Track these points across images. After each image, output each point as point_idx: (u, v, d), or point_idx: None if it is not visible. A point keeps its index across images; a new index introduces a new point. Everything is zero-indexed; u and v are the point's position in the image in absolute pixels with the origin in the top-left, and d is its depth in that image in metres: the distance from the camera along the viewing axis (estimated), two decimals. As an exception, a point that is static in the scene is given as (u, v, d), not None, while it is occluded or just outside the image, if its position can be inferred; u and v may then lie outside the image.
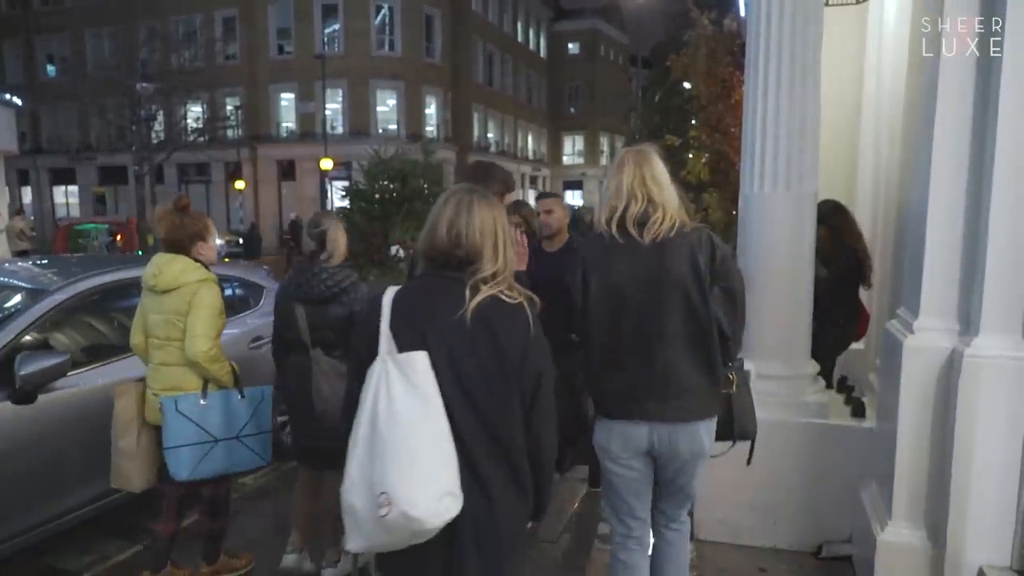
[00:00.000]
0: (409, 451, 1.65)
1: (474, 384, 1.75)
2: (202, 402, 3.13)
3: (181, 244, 3.18)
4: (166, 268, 3.13)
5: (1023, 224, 2.63)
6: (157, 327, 3.16)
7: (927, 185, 2.82)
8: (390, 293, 1.84)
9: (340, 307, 3.23)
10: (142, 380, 3.29)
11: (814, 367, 3.79)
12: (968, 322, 2.76)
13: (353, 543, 1.74)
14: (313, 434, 3.23)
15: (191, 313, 3.08)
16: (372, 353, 1.75)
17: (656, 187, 2.33)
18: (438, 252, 1.84)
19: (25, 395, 3.36)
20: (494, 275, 1.82)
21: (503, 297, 1.80)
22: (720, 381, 2.40)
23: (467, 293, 1.77)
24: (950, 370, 2.76)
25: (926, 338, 2.85)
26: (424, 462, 1.66)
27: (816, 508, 3.57)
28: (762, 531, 3.65)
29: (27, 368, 3.32)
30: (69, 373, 3.55)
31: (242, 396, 3.27)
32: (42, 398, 3.42)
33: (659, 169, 2.37)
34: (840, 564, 3.47)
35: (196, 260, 3.19)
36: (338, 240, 3.30)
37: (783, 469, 3.59)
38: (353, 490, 1.70)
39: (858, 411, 3.71)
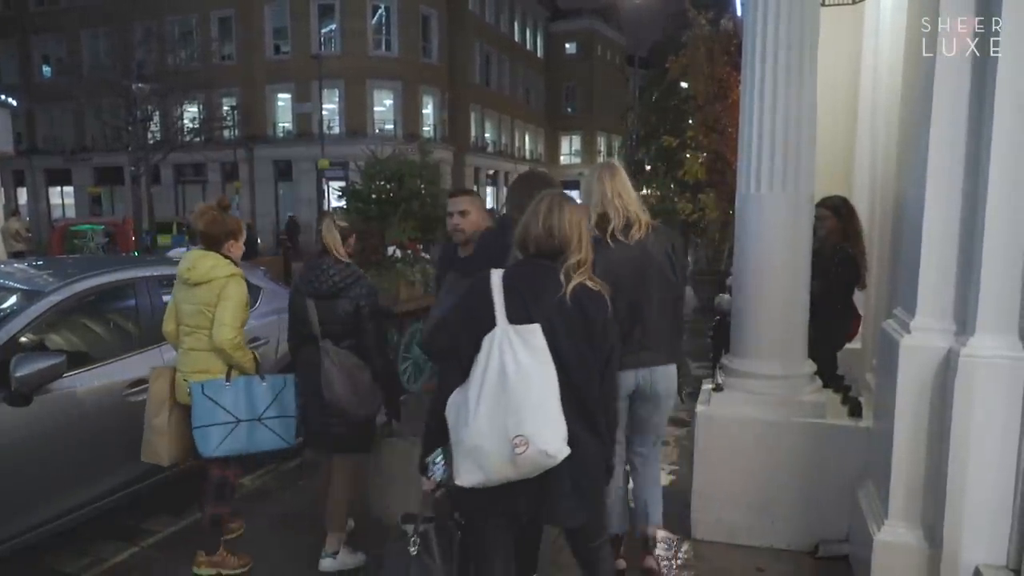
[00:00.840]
0: (540, 402, 2.07)
1: (568, 353, 2.16)
2: (226, 385, 3.40)
3: (217, 239, 3.50)
4: (199, 263, 3.42)
5: (1019, 224, 2.63)
6: (188, 316, 3.45)
7: (923, 185, 2.83)
8: (496, 275, 2.24)
9: (347, 301, 3.45)
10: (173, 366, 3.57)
11: (811, 366, 3.80)
12: (964, 322, 2.76)
13: (468, 479, 2.13)
14: (323, 419, 3.46)
15: (220, 304, 3.36)
16: (489, 323, 2.14)
17: (627, 197, 3.05)
18: (535, 242, 2.26)
19: (21, 397, 3.35)
20: (579, 263, 2.23)
21: (589, 284, 2.24)
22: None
23: (562, 279, 2.20)
24: (946, 370, 2.77)
25: (922, 338, 2.85)
26: (552, 411, 2.09)
27: (813, 508, 3.58)
28: (759, 531, 3.65)
29: (23, 370, 3.31)
30: (65, 374, 3.54)
31: (263, 380, 3.52)
32: (38, 399, 3.41)
33: (624, 181, 3.08)
34: (837, 563, 3.47)
35: (226, 256, 3.48)
36: (327, 238, 3.51)
37: (780, 468, 3.60)
38: (482, 436, 2.08)
39: (855, 411, 3.72)
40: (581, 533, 2.38)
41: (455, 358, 2.24)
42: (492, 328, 2.14)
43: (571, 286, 2.19)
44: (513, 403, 2.06)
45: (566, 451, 2.08)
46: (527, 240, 2.29)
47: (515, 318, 2.15)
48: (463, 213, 3.47)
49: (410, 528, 2.36)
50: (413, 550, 2.32)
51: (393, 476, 3.67)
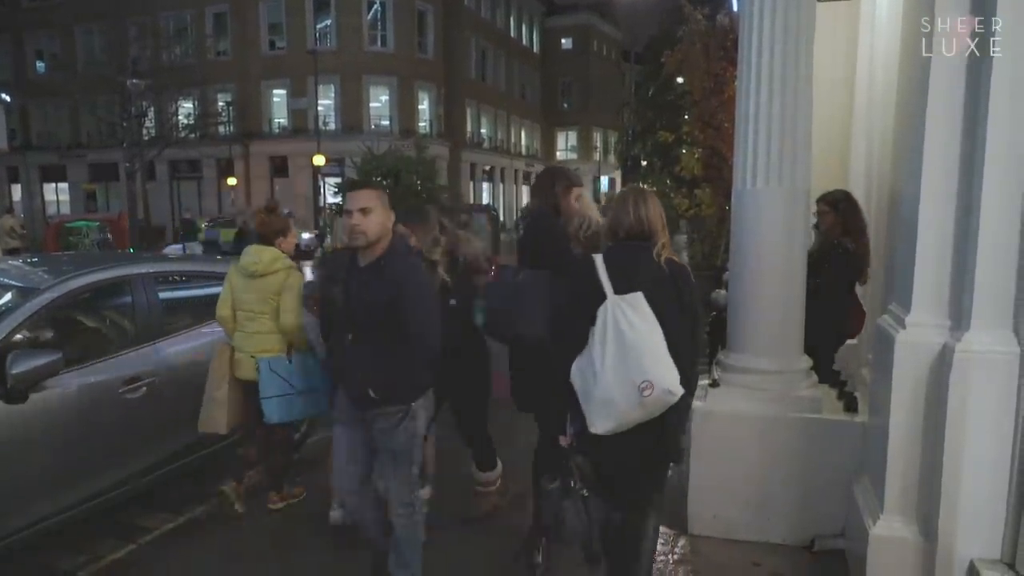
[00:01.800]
0: (656, 353, 2.50)
1: (665, 314, 2.57)
2: (288, 362, 3.96)
3: (268, 237, 4.07)
4: (262, 257, 3.99)
5: (1014, 219, 2.64)
6: (250, 303, 3.99)
7: (919, 180, 2.83)
8: (598, 259, 2.68)
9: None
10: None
11: (807, 362, 3.81)
12: (959, 317, 2.77)
13: (602, 427, 2.56)
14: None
15: (283, 294, 3.94)
16: (598, 296, 2.59)
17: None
18: (626, 229, 2.72)
19: (17, 394, 3.34)
20: (664, 244, 2.70)
21: (675, 259, 2.71)
22: None
23: (655, 256, 2.65)
24: (941, 365, 2.78)
25: (918, 333, 2.86)
26: (666, 359, 2.50)
27: (809, 502, 3.59)
28: (755, 526, 3.66)
29: (19, 367, 3.30)
30: (61, 372, 3.53)
31: (314, 356, 3.97)
32: (34, 397, 3.41)
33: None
34: (833, 558, 3.49)
35: (280, 249, 4.05)
36: (337, 231, 4.08)
37: (776, 464, 3.61)
38: (612, 388, 2.50)
39: (851, 406, 3.73)
40: (662, 466, 2.83)
41: (569, 336, 2.71)
42: (602, 301, 2.58)
43: (663, 260, 2.65)
44: (634, 357, 2.49)
45: (682, 389, 2.51)
46: (619, 227, 2.74)
47: (620, 290, 2.59)
48: (365, 211, 2.85)
49: (555, 479, 2.80)
50: (558, 487, 2.78)
51: None
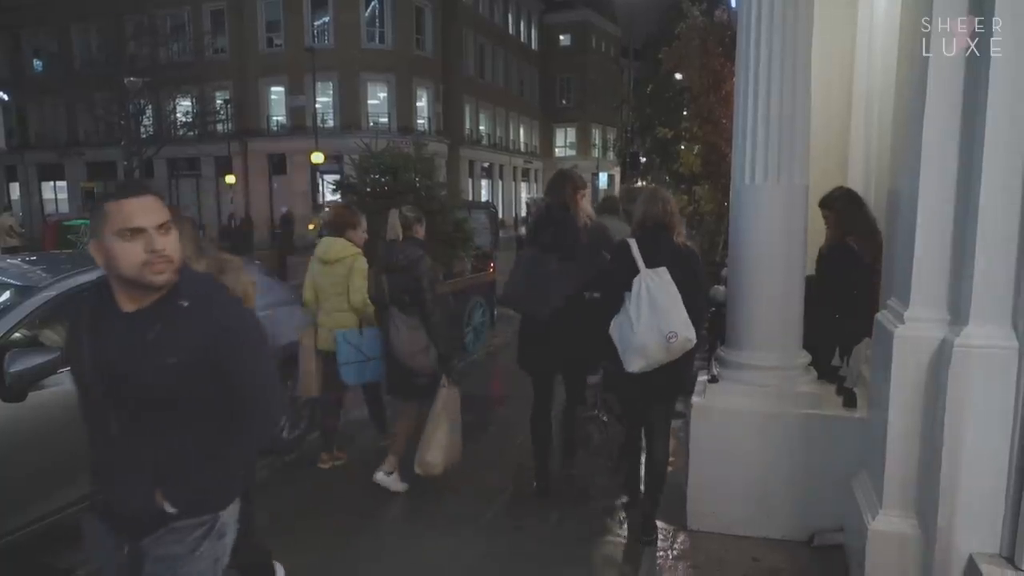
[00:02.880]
0: (678, 310, 3.39)
1: (682, 282, 3.46)
2: (359, 334, 4.60)
3: (340, 229, 4.74)
4: (332, 247, 4.69)
5: (1012, 214, 2.64)
6: (328, 286, 4.68)
7: (917, 175, 2.83)
8: (632, 242, 3.57)
9: (410, 276, 4.33)
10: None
11: (806, 358, 3.81)
12: (958, 312, 2.77)
13: (636, 366, 3.45)
14: (398, 372, 4.45)
15: (352, 277, 4.59)
16: (632, 271, 3.48)
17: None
18: (654, 219, 3.63)
19: (15, 392, 3.34)
20: (679, 232, 3.64)
21: (688, 244, 3.68)
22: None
23: (674, 239, 3.59)
24: (940, 360, 2.78)
25: (916, 328, 2.86)
26: (685, 315, 3.40)
27: (808, 498, 3.60)
28: (755, 521, 3.67)
29: (17, 365, 3.30)
30: (60, 370, 3.52)
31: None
32: (32, 395, 3.40)
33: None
34: (832, 553, 3.49)
35: (349, 240, 4.70)
36: (394, 226, 4.48)
37: (775, 459, 3.61)
38: (646, 336, 3.38)
39: (849, 401, 3.73)
40: (676, 394, 3.86)
41: (614, 299, 3.58)
42: (636, 274, 3.46)
43: (680, 243, 3.60)
44: (661, 313, 3.38)
45: (695, 339, 3.42)
46: (648, 218, 3.65)
47: (649, 264, 3.47)
48: (164, 228, 1.85)
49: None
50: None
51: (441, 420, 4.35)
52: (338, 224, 4.80)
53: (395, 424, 4.73)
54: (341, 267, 4.62)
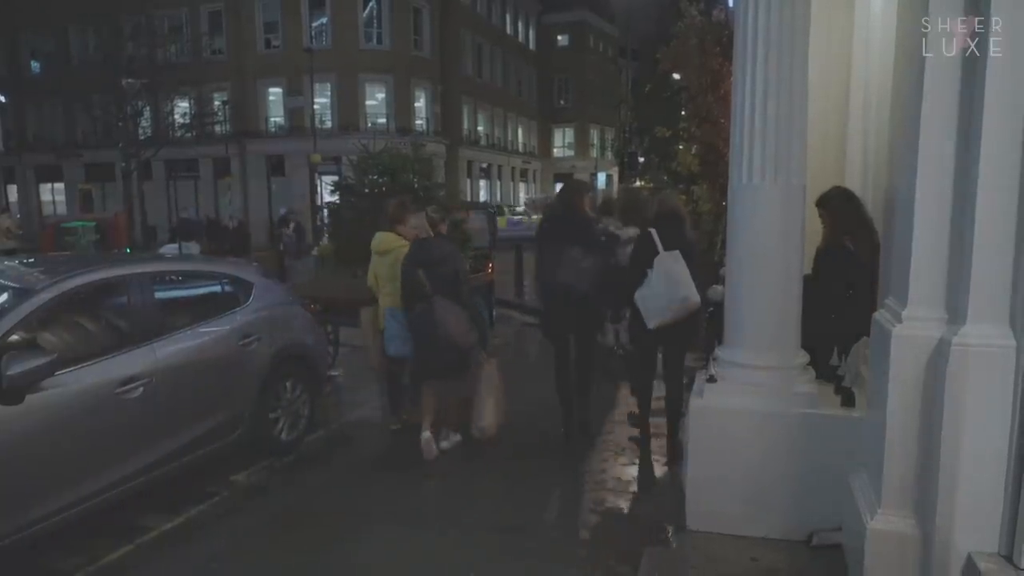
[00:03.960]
0: (688, 281, 4.46)
1: (689, 260, 4.61)
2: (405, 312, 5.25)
3: (392, 224, 5.56)
4: (384, 239, 5.56)
5: (1010, 212, 2.64)
6: (383, 273, 5.53)
7: (914, 174, 2.83)
8: (654, 232, 4.62)
9: (447, 268, 5.01)
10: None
11: (804, 357, 3.81)
12: (956, 311, 2.77)
13: (655, 322, 4.51)
14: (431, 358, 5.05)
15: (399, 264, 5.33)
16: (653, 253, 4.53)
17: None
18: (669, 213, 4.87)
19: (13, 395, 3.33)
20: (689, 225, 5.11)
21: (694, 234, 5.31)
22: None
23: (686, 231, 4.91)
24: (938, 359, 2.77)
25: (914, 327, 2.86)
26: (693, 285, 4.48)
27: (806, 497, 3.60)
28: (753, 521, 3.67)
29: (14, 368, 3.29)
30: (57, 372, 3.52)
31: None
32: (30, 398, 3.40)
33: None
34: (831, 552, 3.49)
35: (399, 234, 5.48)
36: (425, 225, 5.21)
37: (774, 459, 3.61)
38: (665, 299, 4.46)
39: (848, 401, 3.73)
40: (686, 343, 5.01)
41: (637, 276, 4.65)
42: (657, 254, 4.55)
43: (688, 234, 4.94)
44: (675, 283, 4.48)
45: (700, 301, 4.63)
46: (664, 214, 4.86)
47: (667, 248, 4.57)
48: None
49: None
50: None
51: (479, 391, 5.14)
52: (390, 220, 5.58)
53: (423, 400, 5.27)
54: (391, 257, 5.41)
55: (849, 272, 3.99)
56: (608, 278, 5.13)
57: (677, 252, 4.51)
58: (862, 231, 4.06)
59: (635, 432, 5.35)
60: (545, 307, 5.58)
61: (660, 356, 5.06)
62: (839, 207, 4.09)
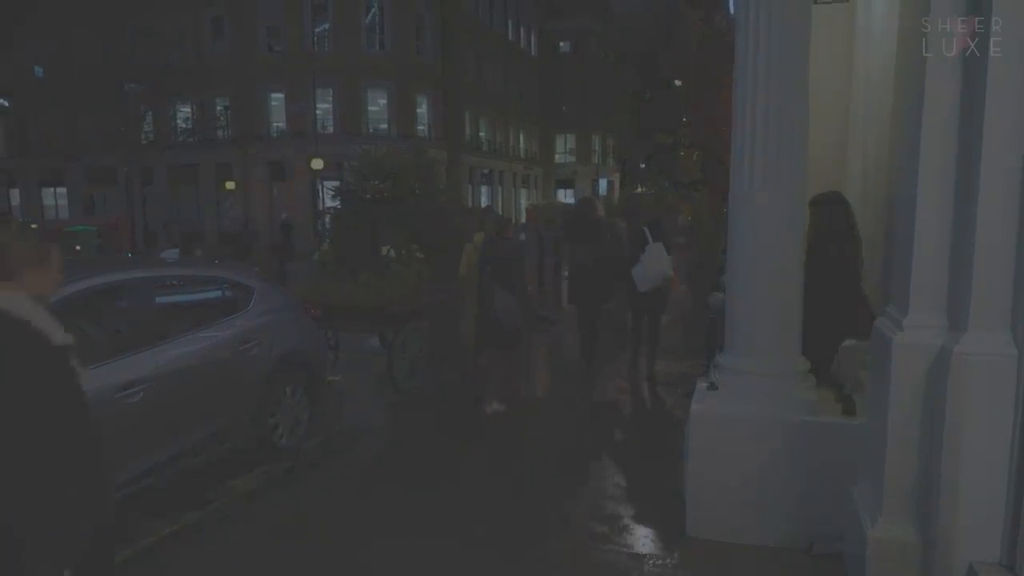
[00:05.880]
0: (667, 260, 6.88)
1: (669, 248, 7.17)
2: None
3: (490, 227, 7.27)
4: (476, 237, 7.07)
5: (1011, 221, 2.64)
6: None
7: (915, 183, 2.83)
8: (646, 228, 6.85)
9: (509, 262, 6.56)
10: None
11: (804, 364, 3.80)
12: (957, 319, 2.76)
13: (645, 287, 6.82)
14: (502, 330, 6.49)
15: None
16: (645, 243, 6.78)
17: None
18: (655, 217, 7.72)
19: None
20: (666, 224, 7.75)
21: (669, 228, 8.30)
22: None
23: (664, 229, 7.21)
24: (939, 367, 2.77)
25: (915, 335, 2.86)
26: (669, 264, 6.96)
27: (807, 505, 3.58)
28: (753, 528, 3.65)
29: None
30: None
31: None
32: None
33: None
34: (831, 561, 3.47)
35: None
36: (495, 226, 7.08)
37: (774, 466, 3.60)
38: (653, 272, 6.82)
39: (849, 408, 3.72)
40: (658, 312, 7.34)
41: (635, 256, 6.81)
42: (647, 244, 6.71)
43: (666, 231, 7.18)
44: (658, 261, 6.72)
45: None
46: (653, 218, 7.36)
47: (654, 239, 6.71)
48: None
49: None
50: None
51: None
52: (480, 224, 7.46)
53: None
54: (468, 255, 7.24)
55: (830, 273, 3.97)
56: (612, 263, 7.27)
57: (660, 244, 6.75)
58: (843, 231, 4.08)
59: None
60: (571, 285, 7.74)
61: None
62: (821, 212, 4.09)
